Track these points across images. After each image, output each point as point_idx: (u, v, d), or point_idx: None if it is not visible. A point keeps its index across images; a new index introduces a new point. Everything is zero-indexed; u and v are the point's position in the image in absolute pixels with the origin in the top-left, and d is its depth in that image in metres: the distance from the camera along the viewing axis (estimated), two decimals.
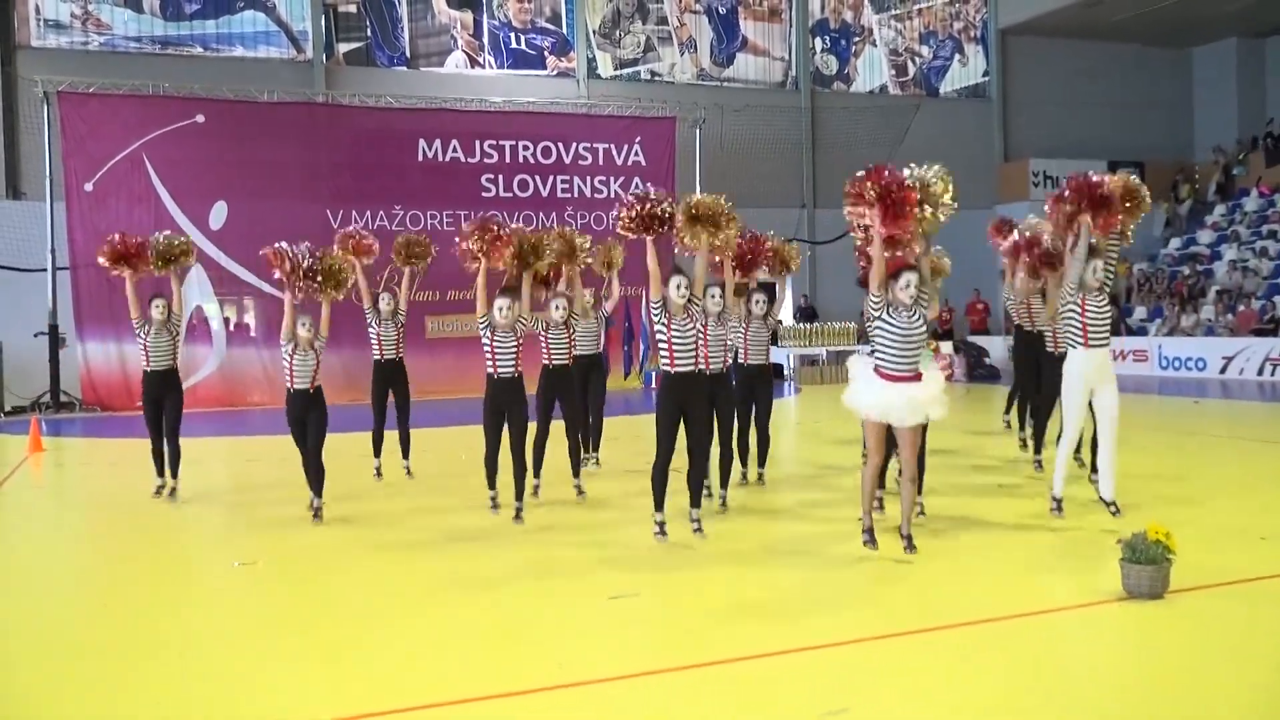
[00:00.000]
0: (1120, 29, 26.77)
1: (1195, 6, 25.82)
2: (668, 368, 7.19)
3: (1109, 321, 7.19)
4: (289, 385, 8.38)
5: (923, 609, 5.79)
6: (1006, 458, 10.67)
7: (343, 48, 22.50)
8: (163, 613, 6.12)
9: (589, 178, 21.45)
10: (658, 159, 21.77)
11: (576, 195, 21.35)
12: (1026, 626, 5.42)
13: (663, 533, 7.29)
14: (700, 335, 7.21)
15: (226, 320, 19.33)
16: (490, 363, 7.99)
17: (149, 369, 9.41)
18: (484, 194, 20.70)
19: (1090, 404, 7.28)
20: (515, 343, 7.95)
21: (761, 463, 9.39)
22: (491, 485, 8.30)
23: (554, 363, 9.09)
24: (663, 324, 7.14)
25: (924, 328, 6.56)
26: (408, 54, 22.92)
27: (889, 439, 6.62)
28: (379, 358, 10.13)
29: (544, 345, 9.12)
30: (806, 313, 25.11)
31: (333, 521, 8.29)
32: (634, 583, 6.36)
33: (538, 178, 21.09)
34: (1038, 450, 9.73)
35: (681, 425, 7.21)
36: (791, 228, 24.79)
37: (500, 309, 7.91)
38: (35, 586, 7.00)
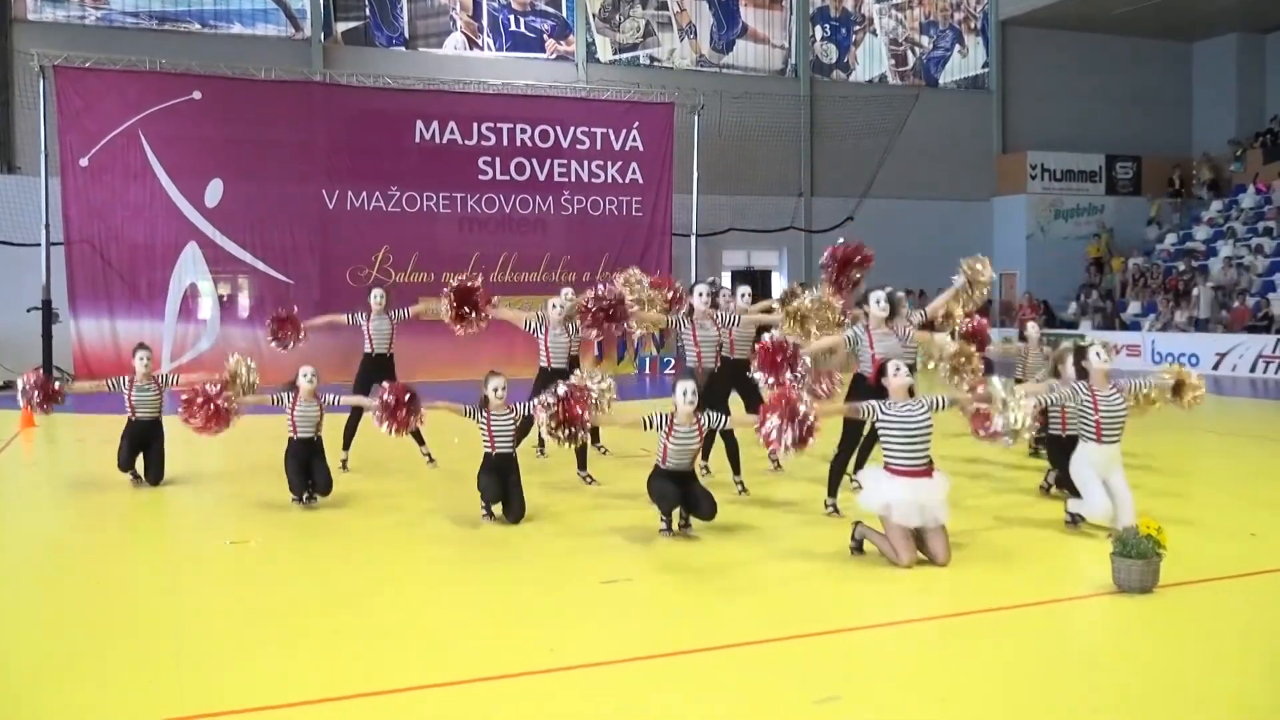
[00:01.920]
0: (1121, 22, 26.74)
1: (1196, 1, 25.82)
2: (660, 463, 7.12)
3: (1124, 418, 7.01)
4: (291, 434, 8.27)
5: (914, 599, 5.82)
6: (999, 451, 10.67)
7: (341, 27, 22.40)
8: (155, 593, 6.14)
9: (586, 162, 21.39)
10: (655, 144, 21.72)
11: (574, 179, 21.29)
12: (1017, 618, 5.45)
13: (669, 529, 7.24)
14: (698, 448, 7.24)
15: (221, 298, 19.29)
16: (487, 440, 7.66)
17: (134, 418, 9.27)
18: (481, 176, 20.63)
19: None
20: (512, 420, 7.69)
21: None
22: (488, 508, 7.82)
23: (553, 366, 9.05)
24: (663, 431, 7.03)
25: (929, 417, 6.44)
26: (406, 34, 22.83)
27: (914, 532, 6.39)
28: (369, 350, 10.06)
29: (543, 347, 9.11)
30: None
31: (325, 504, 8.29)
32: (627, 568, 6.39)
33: (535, 161, 21.03)
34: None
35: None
36: (789, 216, 24.79)
37: (495, 390, 7.60)
38: (25, 565, 7.01)
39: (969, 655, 4.91)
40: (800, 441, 6.27)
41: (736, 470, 8.67)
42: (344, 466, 9.70)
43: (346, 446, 9.84)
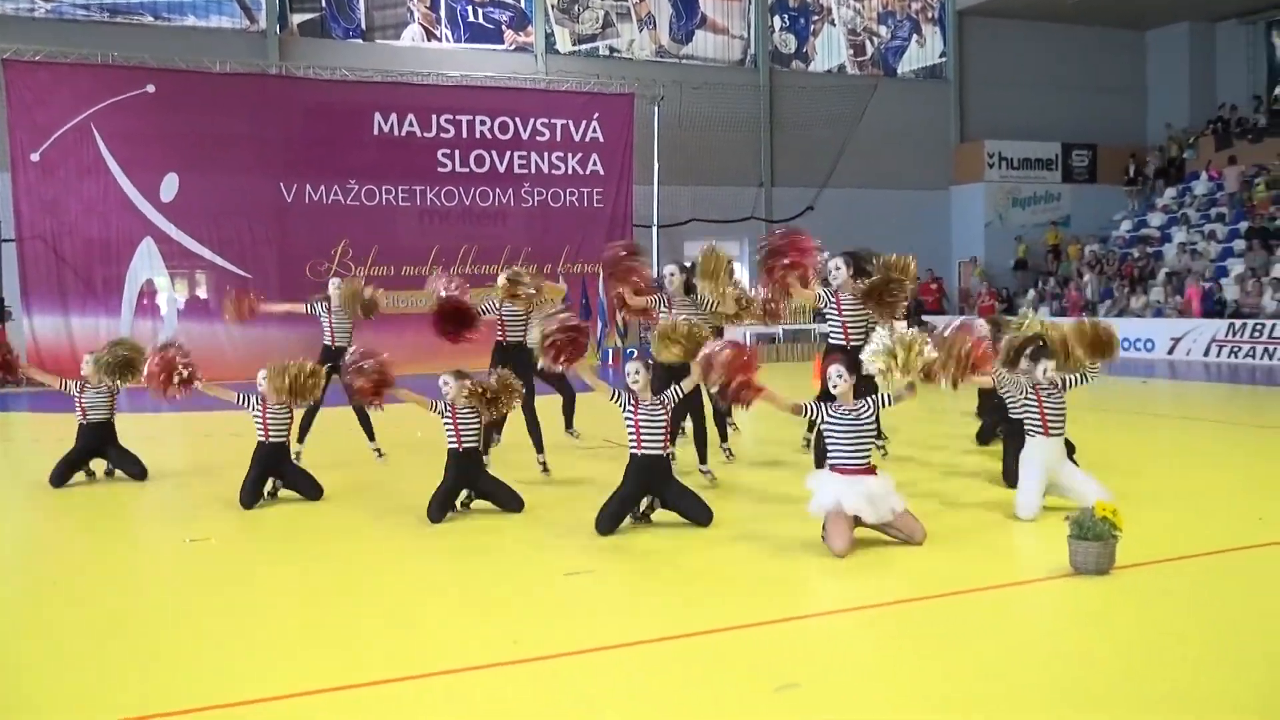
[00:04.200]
0: (1076, 11, 26.97)
1: None
2: (634, 449, 7.02)
3: (1065, 410, 7.13)
4: (261, 437, 8.14)
5: (872, 585, 5.85)
6: (954, 435, 10.78)
7: (297, 19, 22.18)
8: (114, 591, 6.06)
9: (546, 153, 21.34)
10: (615, 136, 21.70)
11: (534, 171, 21.24)
12: (974, 602, 5.50)
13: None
14: (666, 421, 7.06)
15: (179, 295, 19.08)
16: (453, 437, 7.54)
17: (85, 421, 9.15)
18: (440, 169, 20.54)
19: (1060, 484, 7.11)
20: (478, 415, 7.59)
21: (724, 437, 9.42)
22: (436, 520, 7.49)
23: (509, 339, 9.04)
24: (630, 409, 6.99)
25: (873, 421, 6.49)
26: (363, 26, 22.64)
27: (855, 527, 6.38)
28: (329, 344, 9.97)
29: (499, 323, 9.06)
30: None
31: (286, 498, 8.24)
32: (589, 559, 6.38)
33: (494, 153, 20.96)
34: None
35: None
36: (749, 206, 24.84)
37: (448, 384, 7.50)
38: None
39: (927, 640, 4.94)
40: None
41: (703, 459, 8.67)
42: (297, 459, 9.63)
43: (301, 439, 9.74)
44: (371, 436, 9.89)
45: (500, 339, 9.06)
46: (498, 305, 9.08)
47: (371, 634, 5.15)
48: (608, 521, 6.89)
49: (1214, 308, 21.48)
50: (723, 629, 5.08)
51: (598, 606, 5.59)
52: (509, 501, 7.61)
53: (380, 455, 9.83)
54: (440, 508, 7.40)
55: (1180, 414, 13.62)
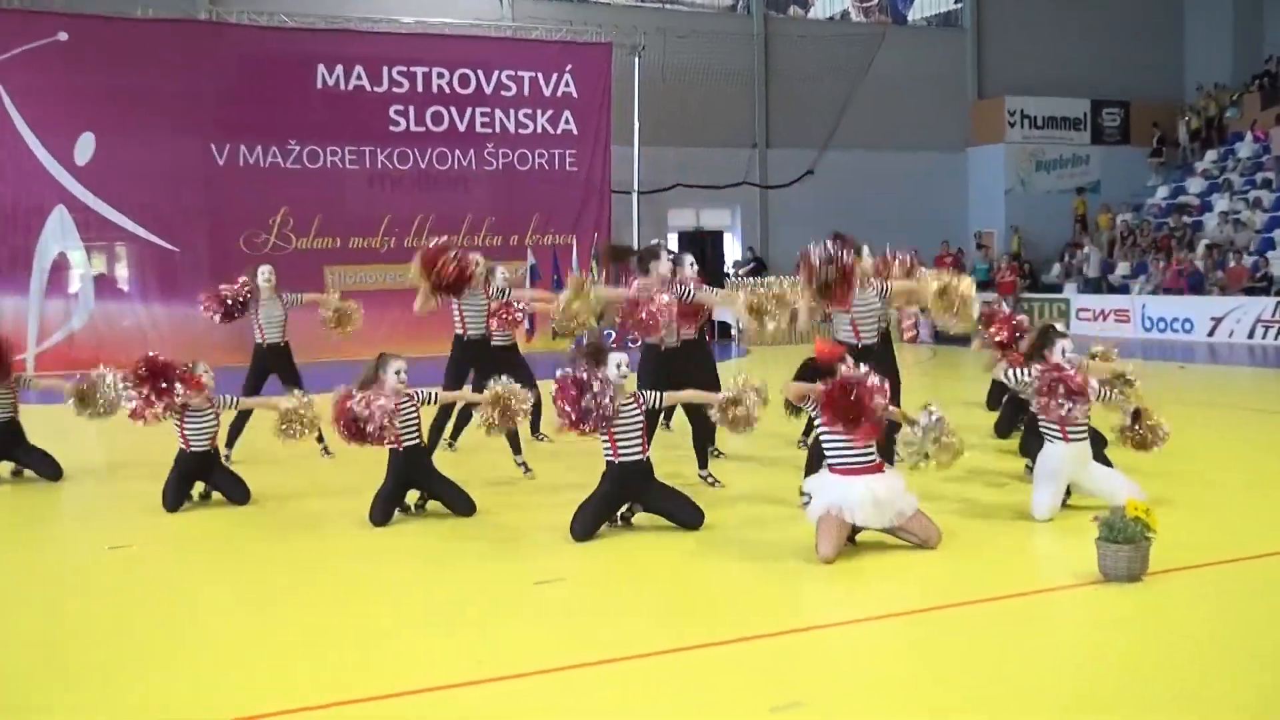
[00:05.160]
0: None
1: None
2: (610, 457, 7.05)
3: (1088, 414, 7.21)
4: (183, 445, 8.10)
5: (879, 594, 5.89)
6: (975, 428, 10.83)
7: None
8: (28, 608, 6.04)
9: (513, 110, 21.27)
10: (591, 90, 21.65)
11: (499, 130, 21.18)
12: (994, 612, 5.54)
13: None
14: (643, 422, 7.08)
15: (95, 270, 18.95)
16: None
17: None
18: (392, 128, 20.46)
19: (1084, 487, 7.21)
20: (415, 409, 7.59)
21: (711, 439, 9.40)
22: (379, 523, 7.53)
23: (469, 334, 9.00)
24: None
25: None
26: None
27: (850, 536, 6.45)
28: (260, 341, 9.92)
29: (458, 313, 9.01)
30: (755, 266, 25.24)
31: (216, 504, 8.22)
32: (561, 567, 6.40)
33: (454, 110, 20.88)
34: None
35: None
36: (741, 170, 24.85)
37: (396, 373, 7.46)
38: None
39: (942, 654, 4.98)
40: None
41: (703, 463, 8.69)
42: (227, 460, 9.63)
43: (230, 444, 9.72)
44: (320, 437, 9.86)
45: (460, 333, 9.00)
46: (497, 289, 9.09)
47: (319, 652, 5.15)
48: (584, 524, 6.90)
49: (1259, 284, 21.63)
50: (713, 643, 5.10)
51: (571, 619, 5.60)
52: (459, 503, 7.61)
53: (327, 453, 9.83)
54: (383, 510, 7.43)
55: (1222, 402, 13.72)
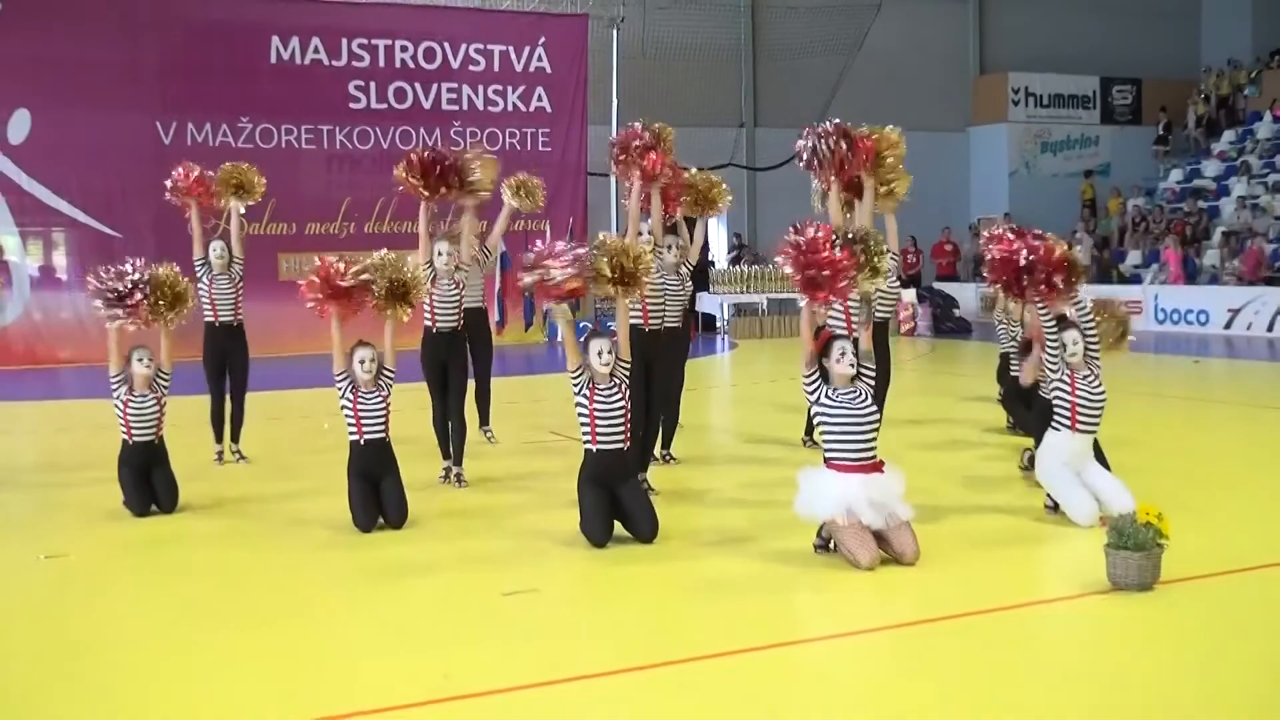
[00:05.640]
0: None
1: None
2: (589, 445, 7.02)
3: (1103, 406, 7.24)
4: (125, 435, 8.05)
5: (874, 605, 5.89)
6: (977, 423, 10.86)
7: None
8: None
9: (481, 87, 21.20)
10: (566, 65, 21.60)
11: (466, 107, 21.10)
12: (995, 624, 5.54)
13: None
14: (626, 410, 7.06)
15: (31, 258, 18.81)
16: (354, 426, 7.52)
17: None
18: (352, 104, 20.36)
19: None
20: (383, 400, 7.55)
21: (667, 442, 9.46)
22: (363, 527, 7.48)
23: (439, 327, 8.94)
24: (584, 396, 6.97)
25: (873, 406, 6.56)
26: None
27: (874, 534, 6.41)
28: (212, 320, 9.86)
29: (428, 303, 8.91)
30: (741, 254, 25.24)
31: (181, 506, 8.16)
32: (533, 577, 6.37)
33: (418, 86, 20.80)
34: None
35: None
36: (727, 151, 24.84)
37: (363, 362, 7.46)
38: None
39: (938, 671, 4.97)
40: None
41: (666, 443, 8.83)
42: (219, 459, 9.74)
43: (235, 438, 9.82)
44: (236, 438, 9.89)
45: (430, 325, 8.92)
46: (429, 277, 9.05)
47: (275, 670, 5.11)
48: (595, 528, 6.87)
49: (1279, 274, 21.73)
50: (696, 658, 5.09)
51: (542, 632, 5.58)
52: (392, 509, 7.49)
53: (241, 459, 9.85)
54: (365, 512, 7.39)
55: (1240, 400, 13.78)
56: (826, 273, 6.44)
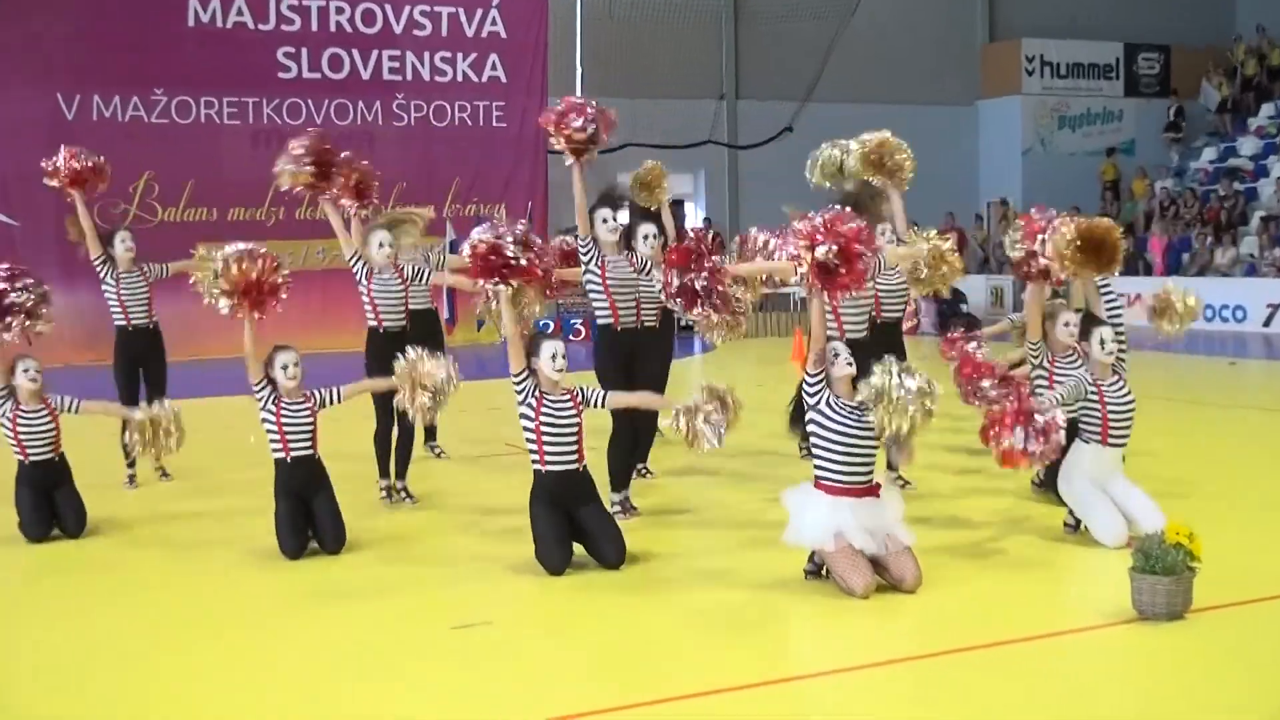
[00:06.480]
0: None
1: None
2: (538, 465, 7.02)
3: (1133, 414, 7.30)
4: (18, 455, 8.03)
5: (876, 637, 5.91)
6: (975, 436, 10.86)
7: None
8: None
9: (428, 54, 21.18)
10: (523, 31, 21.60)
11: (411, 77, 21.08)
12: (1009, 657, 5.56)
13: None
14: (579, 426, 7.05)
15: None
16: (278, 441, 7.47)
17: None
18: (281, 74, 20.33)
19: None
20: (309, 411, 7.52)
21: (644, 455, 9.46)
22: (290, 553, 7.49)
23: (385, 326, 8.89)
24: (529, 408, 6.94)
25: (874, 425, 6.50)
26: None
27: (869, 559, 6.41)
28: (124, 324, 9.76)
29: (369, 301, 8.87)
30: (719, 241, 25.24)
31: (91, 525, 8.14)
32: (485, 607, 6.37)
33: (356, 53, 20.77)
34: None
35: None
36: (706, 127, 24.87)
37: (285, 368, 7.41)
38: None
39: (944, 709, 4.99)
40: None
41: (643, 456, 8.98)
42: (130, 482, 9.68)
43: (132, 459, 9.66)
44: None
45: (375, 325, 8.88)
46: (366, 272, 8.99)
47: (195, 711, 5.10)
48: (551, 555, 6.84)
49: None
50: (668, 699, 5.08)
51: (496, 671, 5.57)
52: (329, 536, 7.47)
53: (165, 476, 9.86)
54: (293, 536, 7.36)
55: (1278, 406, 13.86)
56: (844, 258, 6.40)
